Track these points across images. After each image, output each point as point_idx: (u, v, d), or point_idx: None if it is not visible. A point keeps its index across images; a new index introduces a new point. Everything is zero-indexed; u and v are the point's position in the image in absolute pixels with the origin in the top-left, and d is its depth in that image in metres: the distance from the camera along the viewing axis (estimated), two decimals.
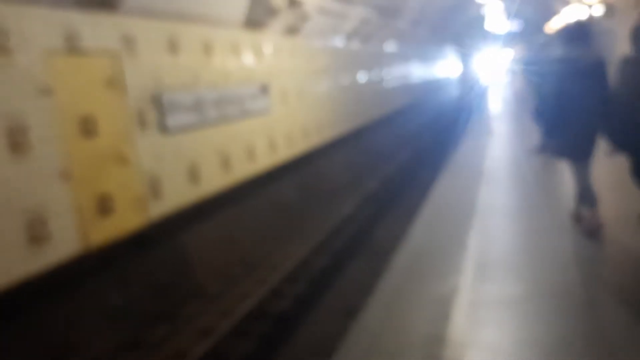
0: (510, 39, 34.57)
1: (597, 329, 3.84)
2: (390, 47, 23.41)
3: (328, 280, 9.28)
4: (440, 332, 3.99)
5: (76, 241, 6.65)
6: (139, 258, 7.69)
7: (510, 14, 30.87)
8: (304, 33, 13.85)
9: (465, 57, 46.24)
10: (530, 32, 29.99)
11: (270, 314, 7.92)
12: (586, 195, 5.72)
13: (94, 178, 6.98)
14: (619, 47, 5.01)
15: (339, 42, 17.07)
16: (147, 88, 8.06)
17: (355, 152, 17.42)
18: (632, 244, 5.25)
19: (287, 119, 12.82)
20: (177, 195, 8.60)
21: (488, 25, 35.78)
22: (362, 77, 19.48)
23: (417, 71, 29.53)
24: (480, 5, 30.15)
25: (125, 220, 7.45)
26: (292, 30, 13.14)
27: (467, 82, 45.73)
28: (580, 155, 5.70)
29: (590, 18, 16.96)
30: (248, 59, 11.16)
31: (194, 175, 9.05)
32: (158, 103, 8.25)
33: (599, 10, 16.68)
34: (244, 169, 10.67)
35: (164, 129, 8.35)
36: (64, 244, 6.48)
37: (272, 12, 11.49)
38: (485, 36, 40.73)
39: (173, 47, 8.74)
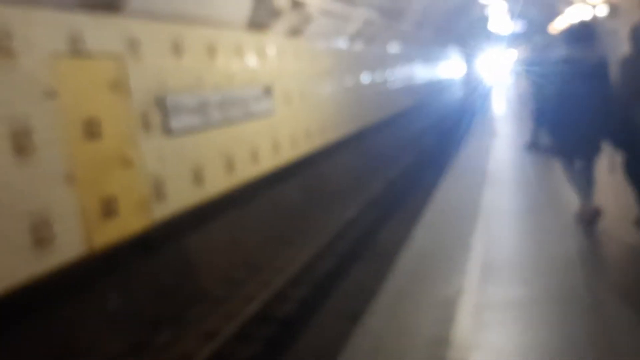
0: (514, 39, 34.55)
1: (602, 330, 3.83)
2: (393, 48, 23.40)
3: (332, 283, 9.27)
4: (444, 334, 3.98)
5: (80, 243, 6.66)
6: (143, 260, 7.69)
7: (514, 15, 30.84)
8: (307, 34, 13.85)
9: (468, 58, 46.20)
10: (533, 32, 29.96)
11: (275, 317, 7.91)
12: (589, 190, 5.83)
13: (98, 180, 6.98)
14: (623, 48, 5.02)
15: (342, 43, 17.06)
16: (151, 90, 8.07)
17: (359, 154, 17.41)
18: (637, 245, 5.24)
19: (291, 121, 12.82)
20: (181, 197, 8.60)
21: (492, 26, 35.76)
22: (365, 78, 19.47)
23: (421, 73, 29.50)
24: (483, 6, 30.12)
25: (129, 223, 7.45)
26: (295, 32, 13.14)
27: (470, 83, 45.69)
28: (585, 154, 5.74)
29: (594, 18, 16.93)
30: (251, 60, 11.16)
31: (197, 177, 9.05)
32: (162, 105, 8.26)
33: (602, 11, 16.65)
34: (247, 171, 10.67)
35: (167, 131, 8.36)
36: (68, 247, 6.49)
37: (275, 13, 11.50)
38: (489, 37, 40.71)
39: (177, 49, 8.75)
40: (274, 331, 7.60)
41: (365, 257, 10.44)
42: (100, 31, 7.19)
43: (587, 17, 16.86)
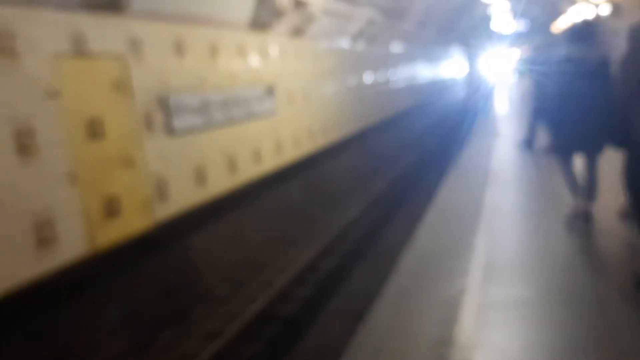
0: (517, 39, 34.52)
1: (606, 329, 3.82)
2: (396, 48, 23.39)
3: (335, 283, 9.27)
4: (447, 334, 3.98)
5: (83, 243, 6.67)
6: (146, 260, 7.70)
7: (517, 14, 30.83)
8: (310, 34, 13.85)
9: (471, 58, 46.16)
10: (536, 32, 29.93)
11: (278, 317, 7.92)
12: (592, 188, 5.86)
13: (101, 180, 6.99)
14: (624, 47, 5.03)
15: (344, 43, 17.06)
16: (153, 90, 8.08)
17: (362, 154, 17.41)
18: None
19: (293, 121, 12.82)
20: (184, 197, 8.61)
21: (494, 26, 35.73)
22: (367, 78, 19.47)
23: (423, 72, 29.48)
24: (486, 6, 30.10)
25: (132, 222, 7.46)
26: (297, 32, 13.14)
27: (473, 82, 45.65)
28: (587, 153, 5.76)
29: (597, 17, 16.91)
30: (254, 60, 11.16)
31: (200, 177, 9.06)
32: (164, 105, 8.27)
33: (605, 10, 16.63)
34: (250, 171, 10.68)
35: (170, 131, 8.37)
36: (71, 247, 6.50)
37: (277, 13, 11.50)
38: (492, 36, 40.68)
39: (179, 49, 8.76)
40: (276, 331, 7.60)
41: (368, 257, 10.45)
42: (103, 31, 7.20)
43: (589, 16, 16.84)
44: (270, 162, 11.54)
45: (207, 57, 9.55)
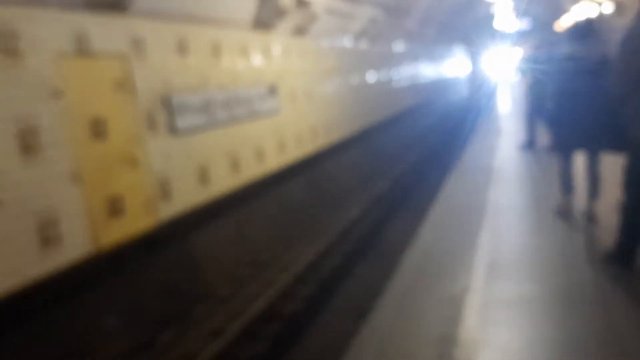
0: (520, 37, 34.47)
1: (610, 328, 3.82)
2: (398, 46, 23.37)
3: (338, 281, 9.28)
4: (451, 332, 3.97)
5: (87, 243, 6.68)
6: (149, 259, 7.71)
7: (520, 13, 30.78)
8: (312, 33, 13.85)
9: (474, 56, 46.10)
10: (539, 30, 29.89)
11: (280, 315, 7.92)
12: (595, 186, 5.90)
13: (104, 180, 7.01)
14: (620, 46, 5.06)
15: (347, 42, 17.06)
16: (156, 90, 8.09)
17: (364, 153, 17.40)
18: None
19: (296, 120, 12.83)
20: (187, 196, 8.62)
21: (497, 24, 35.68)
22: (370, 77, 19.46)
23: (426, 71, 29.46)
24: (489, 4, 30.06)
25: (136, 222, 7.47)
26: (300, 31, 13.14)
27: (476, 81, 45.59)
28: (588, 151, 5.78)
29: (600, 16, 16.87)
30: (256, 60, 11.17)
31: (203, 176, 9.07)
32: (167, 105, 8.28)
33: (608, 8, 16.60)
34: (253, 170, 10.69)
35: (173, 130, 8.38)
36: (74, 246, 6.51)
37: (280, 12, 11.50)
38: (495, 35, 40.60)
39: (182, 48, 8.77)
40: (279, 329, 7.61)
41: (371, 255, 10.45)
42: (106, 31, 7.21)
43: (592, 15, 16.81)
44: (273, 161, 11.55)
45: (210, 57, 9.56)
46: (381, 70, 20.87)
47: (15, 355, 5.76)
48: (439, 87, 32.85)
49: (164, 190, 8.09)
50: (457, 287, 4.72)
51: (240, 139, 10.29)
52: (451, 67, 37.49)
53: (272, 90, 11.60)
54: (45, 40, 6.32)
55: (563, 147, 6.19)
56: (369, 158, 17.52)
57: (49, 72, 6.34)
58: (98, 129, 6.95)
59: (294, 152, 12.60)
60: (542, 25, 30.04)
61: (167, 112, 8.26)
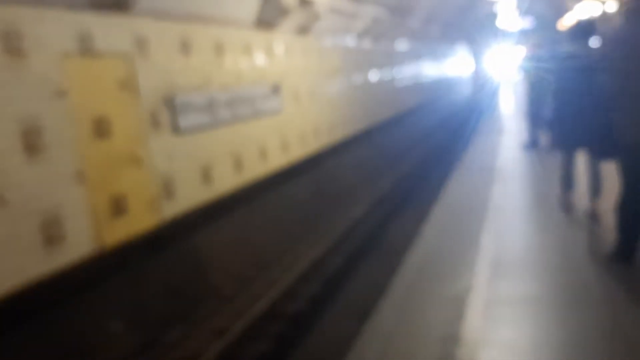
0: (522, 36, 34.42)
1: (614, 326, 3.82)
2: (401, 45, 23.36)
3: (341, 281, 9.28)
4: (454, 331, 3.98)
5: (90, 242, 6.70)
6: (153, 258, 7.72)
7: (523, 11, 30.74)
8: (315, 32, 13.85)
9: (476, 55, 46.04)
10: (542, 29, 29.85)
11: (284, 314, 7.93)
12: (596, 184, 5.95)
13: (108, 179, 7.02)
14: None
15: (350, 41, 17.05)
16: (159, 89, 8.10)
17: (368, 152, 17.40)
18: None
19: (299, 119, 12.83)
20: (190, 195, 8.63)
21: (500, 23, 35.64)
22: (373, 76, 19.46)
23: (429, 70, 29.43)
24: (492, 3, 30.03)
25: (139, 221, 7.49)
26: (303, 30, 13.15)
27: (478, 80, 45.53)
28: (589, 150, 5.80)
29: (604, 14, 16.84)
30: (259, 59, 11.17)
31: (206, 175, 9.08)
32: (171, 104, 8.29)
33: (612, 7, 16.56)
34: (256, 169, 10.69)
35: (176, 129, 8.39)
36: (78, 245, 6.53)
37: (283, 11, 11.51)
38: (497, 34, 40.56)
39: (185, 48, 8.78)
40: (282, 329, 7.61)
41: (375, 255, 10.44)
42: (109, 30, 7.22)
43: (595, 13, 16.78)
44: (277, 161, 11.56)
45: (213, 56, 9.57)
46: (384, 69, 20.86)
47: (18, 354, 5.78)
48: (442, 86, 32.81)
49: (167, 190, 8.11)
50: (460, 286, 4.73)
51: (244, 138, 10.30)
52: (454, 66, 37.44)
53: (275, 90, 11.61)
54: (49, 40, 6.34)
55: (564, 145, 6.24)
56: (372, 158, 17.51)
57: (53, 71, 6.35)
58: (102, 128, 6.96)
59: (297, 151, 12.61)
60: (545, 24, 30.00)
61: (170, 111, 8.27)
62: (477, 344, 3.81)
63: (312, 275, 9.23)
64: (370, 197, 14.09)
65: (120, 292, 7.10)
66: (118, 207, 7.13)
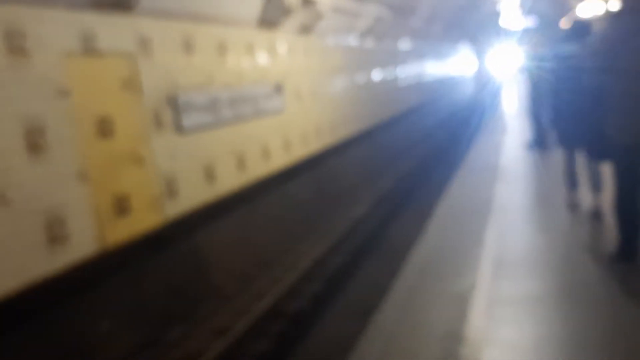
0: (525, 35, 34.36)
1: (616, 326, 3.82)
2: (404, 45, 23.34)
3: (344, 279, 9.28)
4: (457, 329, 3.98)
5: (94, 241, 6.70)
6: (155, 257, 7.73)
7: (525, 10, 30.69)
8: (318, 32, 13.85)
9: (479, 54, 45.99)
10: (545, 28, 29.80)
11: (286, 313, 7.93)
12: (596, 182, 5.96)
13: (111, 178, 7.03)
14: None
15: (352, 40, 17.05)
16: (162, 88, 8.11)
17: (370, 152, 17.39)
18: None
19: (301, 118, 12.83)
20: (193, 194, 8.63)
21: (503, 22, 35.58)
22: (376, 75, 19.44)
23: (432, 69, 29.41)
24: (495, 2, 29.99)
25: (142, 220, 7.49)
26: (305, 29, 13.14)
27: (481, 79, 45.49)
28: (589, 150, 5.82)
29: (607, 13, 16.81)
30: (262, 58, 11.18)
31: (209, 174, 9.08)
32: (173, 103, 8.29)
33: (615, 6, 16.52)
34: (258, 169, 10.70)
35: (179, 129, 8.40)
36: (81, 244, 6.53)
37: (285, 11, 11.51)
38: (500, 33, 40.50)
39: (188, 47, 8.78)
40: (284, 328, 7.62)
41: (377, 253, 10.45)
42: (112, 30, 7.23)
43: (599, 13, 16.75)
44: (279, 160, 11.56)
45: (216, 55, 9.57)
46: (387, 68, 20.84)
47: (20, 354, 5.79)
48: (445, 85, 32.79)
49: (170, 189, 8.11)
50: (463, 285, 4.73)
51: (246, 137, 10.30)
52: (457, 65, 37.41)
53: (278, 89, 11.61)
54: (52, 40, 6.34)
55: (565, 145, 6.27)
56: (374, 157, 17.51)
57: (56, 71, 6.36)
58: (104, 127, 6.97)
59: (300, 150, 12.60)
60: (547, 23, 29.94)
61: (173, 110, 8.28)
62: (479, 342, 3.80)
63: (314, 274, 9.23)
64: (372, 197, 14.10)
65: (123, 291, 7.11)
66: (121, 206, 7.14)
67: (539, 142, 10.38)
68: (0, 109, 5.70)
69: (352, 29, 16.42)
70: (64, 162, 6.38)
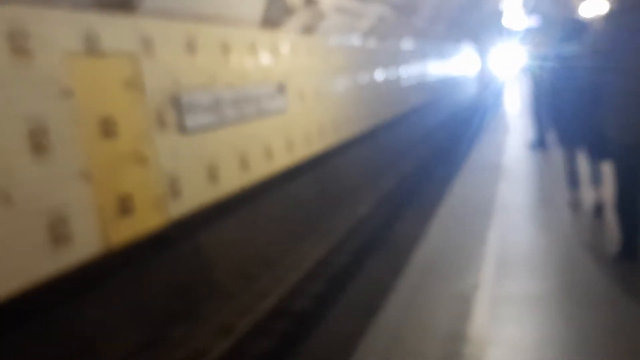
0: (528, 34, 34.33)
1: (619, 326, 3.82)
2: (406, 44, 23.34)
3: (347, 279, 9.28)
4: (460, 329, 3.98)
5: (97, 241, 6.72)
6: (159, 257, 7.74)
7: (528, 10, 30.65)
8: (321, 32, 13.85)
9: (482, 54, 45.96)
10: (548, 27, 29.77)
11: (290, 312, 7.94)
12: (596, 176, 6.00)
13: (114, 178, 7.04)
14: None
15: (355, 40, 17.05)
16: (165, 89, 8.12)
17: (372, 151, 17.39)
18: None
19: (304, 118, 12.84)
20: (196, 194, 8.65)
21: (506, 21, 35.54)
22: (378, 75, 19.45)
23: (434, 69, 29.40)
24: (498, 1, 29.96)
25: (145, 220, 7.51)
26: (308, 29, 13.15)
27: (484, 79, 45.46)
28: (589, 150, 5.83)
29: (610, 12, 16.75)
30: (265, 58, 11.19)
31: (212, 174, 9.09)
32: (176, 103, 8.31)
33: (608, 6, 16.47)
34: (261, 169, 10.71)
35: (182, 129, 8.41)
36: (85, 244, 6.55)
37: (288, 11, 11.52)
38: (503, 32, 40.46)
39: (191, 47, 8.79)
40: (287, 326, 7.62)
41: (380, 253, 10.45)
42: (115, 30, 7.24)
43: (602, 12, 16.72)
44: (282, 160, 11.57)
45: (219, 55, 9.58)
46: (389, 68, 20.84)
47: (22, 354, 5.80)
48: (447, 85, 32.78)
49: (174, 189, 8.13)
50: (466, 284, 4.73)
51: (249, 137, 10.31)
52: (459, 64, 37.39)
53: (281, 89, 11.62)
54: (55, 40, 6.36)
55: (566, 144, 6.28)
56: (377, 157, 17.51)
57: (59, 71, 6.38)
58: (108, 127, 6.99)
59: (302, 150, 12.61)
60: (550, 23, 29.90)
61: (176, 110, 8.29)
62: (482, 341, 3.81)
63: (318, 273, 9.24)
64: (374, 196, 14.10)
65: (126, 291, 7.12)
66: (124, 206, 7.15)
67: (541, 142, 10.36)
68: (3, 109, 5.72)
69: (354, 28, 16.42)
70: (67, 162, 6.40)
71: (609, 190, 5.72)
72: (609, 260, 4.86)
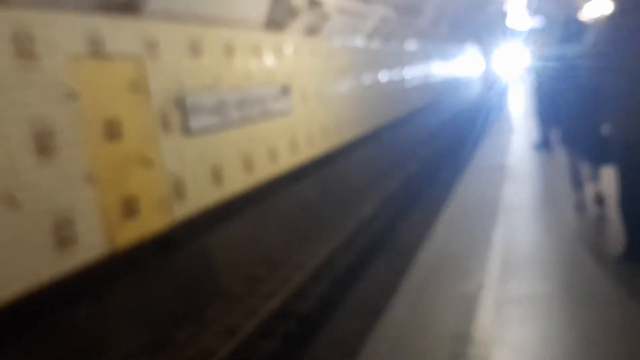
0: (532, 35, 34.29)
1: (623, 327, 3.81)
2: (410, 45, 23.33)
3: (352, 279, 9.29)
4: (465, 329, 3.98)
5: (102, 243, 6.74)
6: (164, 259, 7.76)
7: (532, 10, 30.62)
8: (324, 33, 13.87)
9: (486, 55, 45.91)
10: (551, 28, 29.72)
11: (295, 313, 7.95)
12: (594, 172, 6.06)
13: (119, 180, 7.06)
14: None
15: (359, 41, 17.06)
16: (170, 91, 8.14)
17: (376, 152, 17.40)
18: None
19: (308, 119, 12.85)
20: (201, 196, 8.66)
21: (509, 22, 35.52)
22: (382, 76, 19.44)
23: (438, 70, 29.38)
24: (502, 2, 29.94)
25: (150, 222, 7.52)
26: (312, 31, 13.17)
27: (487, 79, 45.40)
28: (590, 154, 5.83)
29: (611, 13, 16.72)
30: (269, 60, 11.20)
31: (217, 176, 9.11)
32: (181, 105, 8.33)
33: (610, 7, 16.41)
34: (266, 170, 10.72)
35: (187, 130, 8.43)
36: (90, 246, 6.57)
37: (292, 12, 11.53)
38: (507, 33, 40.42)
39: (195, 49, 8.81)
40: (293, 327, 7.63)
41: (386, 253, 10.45)
42: (120, 33, 7.27)
43: (607, 13, 16.67)
44: (286, 161, 11.58)
45: (223, 57, 9.60)
46: (393, 69, 20.84)
47: (27, 355, 5.82)
48: (451, 86, 32.75)
49: (178, 191, 8.14)
50: (471, 284, 4.73)
51: (253, 139, 10.33)
52: (463, 65, 37.35)
53: (285, 90, 11.63)
54: (60, 43, 6.38)
55: (569, 144, 6.28)
56: (381, 157, 17.52)
57: (64, 74, 6.40)
58: (112, 130, 7.01)
59: (307, 151, 12.62)
60: (554, 23, 29.85)
61: (180, 112, 8.31)
62: (487, 342, 3.81)
63: (322, 274, 9.25)
64: (379, 197, 14.10)
65: (132, 293, 7.14)
66: (129, 208, 7.17)
67: (545, 143, 10.35)
68: (9, 112, 5.74)
69: (358, 30, 16.43)
70: (73, 164, 6.42)
71: (608, 186, 5.73)
72: (613, 260, 4.86)
